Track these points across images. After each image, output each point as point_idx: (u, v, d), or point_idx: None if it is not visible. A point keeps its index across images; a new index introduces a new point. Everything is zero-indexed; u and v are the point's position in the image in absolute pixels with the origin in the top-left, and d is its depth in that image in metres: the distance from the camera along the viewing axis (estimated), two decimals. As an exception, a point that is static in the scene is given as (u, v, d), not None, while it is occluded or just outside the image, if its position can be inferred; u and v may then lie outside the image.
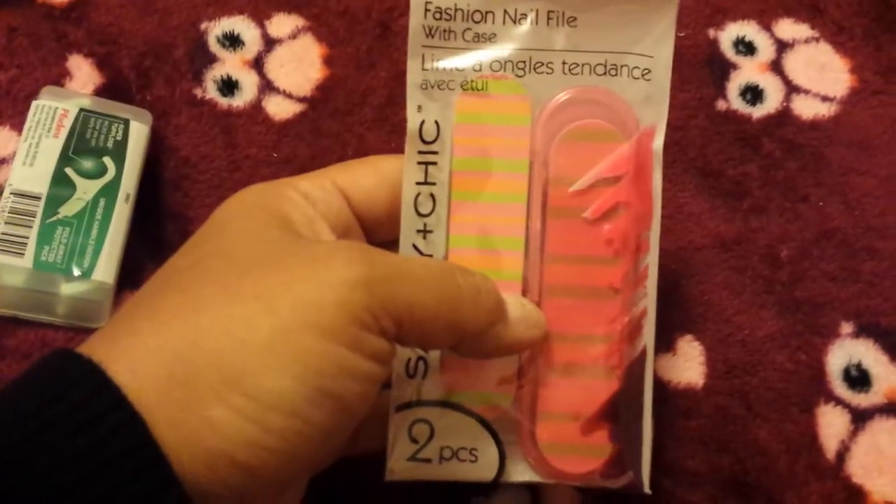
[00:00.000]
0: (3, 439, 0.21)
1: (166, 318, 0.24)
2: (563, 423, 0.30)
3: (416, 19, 0.30)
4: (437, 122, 0.30)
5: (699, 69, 0.44)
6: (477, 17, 0.30)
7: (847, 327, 0.39)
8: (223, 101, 0.42)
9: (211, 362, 0.23)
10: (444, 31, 0.30)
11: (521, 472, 0.31)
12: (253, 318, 0.24)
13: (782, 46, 0.45)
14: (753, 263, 0.40)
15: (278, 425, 0.23)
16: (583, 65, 0.30)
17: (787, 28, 0.45)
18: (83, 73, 0.42)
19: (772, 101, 0.43)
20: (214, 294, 0.24)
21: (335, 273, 0.24)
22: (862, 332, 0.39)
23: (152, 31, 0.43)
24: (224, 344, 0.23)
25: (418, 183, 0.30)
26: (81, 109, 0.39)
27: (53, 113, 0.38)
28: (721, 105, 0.43)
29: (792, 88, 0.44)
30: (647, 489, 0.30)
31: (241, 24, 0.44)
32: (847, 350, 0.39)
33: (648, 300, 0.30)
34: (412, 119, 0.30)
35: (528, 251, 0.31)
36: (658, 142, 0.30)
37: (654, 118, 0.30)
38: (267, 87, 0.43)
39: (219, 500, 0.23)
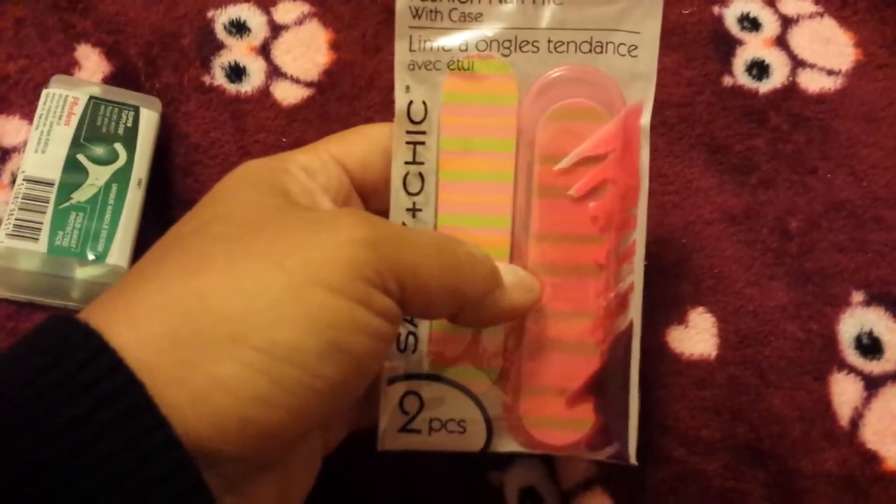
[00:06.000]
0: (6, 402, 0.21)
1: (171, 277, 0.24)
2: (547, 397, 0.31)
3: (402, 0, 0.30)
4: (424, 103, 0.30)
5: (704, 46, 0.44)
6: None
7: (858, 296, 0.39)
8: (231, 88, 0.42)
9: (219, 318, 0.23)
10: (431, 11, 0.30)
11: (507, 444, 0.31)
12: (262, 275, 0.24)
13: (787, 22, 0.45)
14: (763, 236, 0.40)
15: (289, 379, 0.23)
16: (568, 42, 0.30)
17: (791, 3, 0.45)
18: (91, 63, 0.42)
19: (778, 76, 0.43)
20: (220, 253, 0.24)
21: (342, 234, 0.25)
22: (873, 300, 0.39)
23: (159, 19, 0.43)
24: (233, 300, 0.23)
25: (407, 163, 0.31)
26: (91, 97, 0.39)
27: (64, 101, 0.38)
28: (727, 81, 0.43)
29: (798, 63, 0.44)
30: (633, 460, 0.31)
31: (248, 12, 0.44)
32: (858, 318, 0.39)
33: (636, 275, 0.31)
34: (400, 99, 0.30)
35: (514, 230, 0.31)
36: (645, 118, 0.30)
37: (642, 95, 0.30)
38: (274, 72, 0.43)
39: (226, 462, 0.23)
